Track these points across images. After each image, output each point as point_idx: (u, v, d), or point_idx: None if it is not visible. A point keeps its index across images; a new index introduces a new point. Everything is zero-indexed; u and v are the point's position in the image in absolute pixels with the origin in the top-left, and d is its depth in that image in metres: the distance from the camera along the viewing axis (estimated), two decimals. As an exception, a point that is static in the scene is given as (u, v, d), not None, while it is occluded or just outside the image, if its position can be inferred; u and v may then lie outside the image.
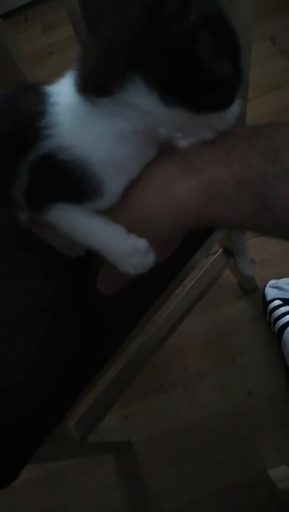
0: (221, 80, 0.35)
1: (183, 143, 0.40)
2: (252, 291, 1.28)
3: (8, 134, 0.39)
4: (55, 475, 1.20)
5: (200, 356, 1.24)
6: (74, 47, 0.49)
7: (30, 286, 0.59)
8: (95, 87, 0.37)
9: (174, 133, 0.42)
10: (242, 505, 1.09)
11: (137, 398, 1.22)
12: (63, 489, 1.19)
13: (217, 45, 0.34)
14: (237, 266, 1.12)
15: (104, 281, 0.47)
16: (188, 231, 0.43)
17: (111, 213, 0.41)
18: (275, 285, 1.22)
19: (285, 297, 1.19)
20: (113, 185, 0.39)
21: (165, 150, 0.41)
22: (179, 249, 0.47)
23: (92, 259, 0.46)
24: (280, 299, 1.19)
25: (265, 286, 1.24)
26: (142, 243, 0.40)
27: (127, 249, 0.40)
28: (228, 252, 1.04)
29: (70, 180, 0.38)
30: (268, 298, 1.21)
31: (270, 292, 1.22)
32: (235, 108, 0.39)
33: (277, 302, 1.19)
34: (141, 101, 0.36)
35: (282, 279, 1.24)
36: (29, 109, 0.39)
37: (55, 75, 0.41)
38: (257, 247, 1.29)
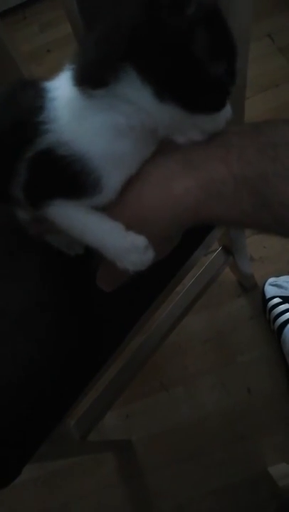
0: (215, 81, 0.35)
1: (182, 140, 0.40)
2: (251, 289, 1.28)
3: (7, 130, 0.39)
4: (56, 474, 1.20)
5: (200, 354, 1.24)
6: (72, 45, 0.49)
7: (30, 285, 0.59)
8: (91, 78, 0.37)
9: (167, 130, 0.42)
10: (242, 502, 1.09)
11: (137, 397, 1.22)
12: (63, 488, 1.19)
13: (213, 44, 0.34)
14: (236, 264, 1.12)
15: (103, 279, 0.47)
16: (187, 228, 0.43)
17: (109, 210, 0.41)
18: (275, 283, 1.22)
19: (284, 295, 1.19)
20: (112, 181, 0.39)
21: (164, 147, 0.41)
22: (178, 246, 0.47)
23: (91, 257, 0.46)
24: (280, 297, 1.19)
25: (264, 284, 1.24)
26: (140, 240, 0.40)
27: (125, 246, 0.40)
28: (227, 250, 1.04)
29: (69, 176, 0.38)
30: (268, 296, 1.21)
31: (270, 290, 1.22)
32: (226, 111, 0.39)
33: (276, 300, 1.19)
34: (133, 93, 0.35)
35: (281, 277, 1.24)
36: (27, 105, 0.39)
37: (53, 73, 0.41)
38: (256, 244, 1.29)
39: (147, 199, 0.40)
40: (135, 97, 0.36)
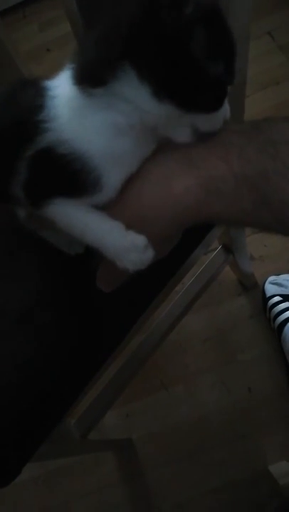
0: (213, 80, 0.35)
1: (181, 139, 0.40)
2: (251, 288, 1.28)
3: (7, 129, 0.39)
4: (56, 473, 1.20)
5: (200, 353, 1.24)
6: (72, 44, 0.49)
7: (30, 284, 0.59)
8: (90, 77, 0.37)
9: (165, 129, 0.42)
10: (243, 501, 1.09)
11: (137, 396, 1.22)
12: (64, 487, 1.19)
13: (212, 43, 0.34)
14: (236, 262, 1.12)
15: (102, 279, 0.47)
16: (187, 227, 0.43)
17: (109, 209, 0.41)
18: (275, 281, 1.22)
19: (284, 293, 1.19)
20: (112, 179, 0.39)
21: (164, 145, 0.41)
22: (178, 245, 0.47)
23: (91, 257, 0.46)
24: (280, 295, 1.19)
25: (264, 283, 1.24)
26: (140, 239, 0.40)
27: (125, 246, 0.40)
28: (228, 249, 1.04)
29: (69, 174, 0.38)
30: (268, 294, 1.21)
31: (270, 288, 1.22)
32: (224, 111, 0.39)
33: (276, 298, 1.19)
34: (131, 92, 0.35)
35: (281, 276, 1.24)
36: (28, 104, 0.39)
37: (53, 72, 0.41)
38: (256, 243, 1.29)
39: (147, 198, 0.40)
40: (133, 96, 0.36)
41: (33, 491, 1.19)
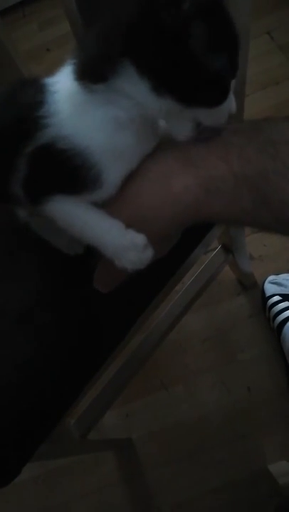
0: (214, 75, 0.35)
1: (182, 137, 0.40)
2: (251, 287, 1.28)
3: (7, 126, 0.39)
4: (56, 473, 1.20)
5: (200, 353, 1.24)
6: (71, 43, 0.49)
7: (30, 284, 0.59)
8: (91, 73, 0.37)
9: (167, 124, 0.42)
10: (243, 500, 1.09)
11: (137, 395, 1.22)
12: (64, 487, 1.19)
13: (212, 37, 0.34)
14: (236, 262, 1.12)
15: (100, 279, 0.47)
16: (187, 227, 0.43)
17: (109, 207, 0.41)
18: (274, 281, 1.22)
19: (284, 293, 1.19)
20: (112, 175, 0.39)
21: (164, 144, 0.41)
22: (178, 245, 0.47)
23: (91, 257, 0.46)
24: (279, 295, 1.19)
25: (264, 282, 1.24)
26: (140, 238, 0.40)
27: (124, 244, 0.40)
28: (227, 249, 1.04)
29: (69, 170, 0.38)
30: (267, 294, 1.21)
31: (269, 288, 1.22)
32: (228, 105, 0.38)
33: (276, 298, 1.19)
34: (131, 88, 0.36)
35: (281, 275, 1.24)
36: (28, 101, 0.39)
37: (53, 72, 0.41)
38: (255, 243, 1.29)
39: (147, 197, 0.40)
40: (133, 92, 0.36)
41: (33, 491, 1.19)
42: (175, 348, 1.25)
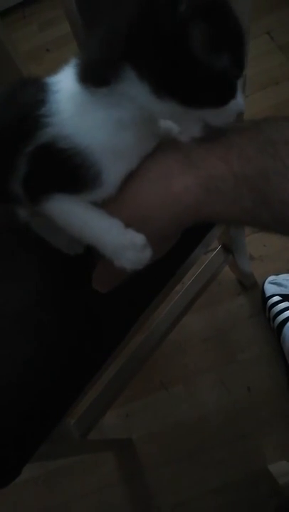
0: (218, 75, 0.35)
1: (184, 137, 0.40)
2: (251, 288, 1.28)
3: (7, 125, 0.39)
4: (56, 473, 1.20)
5: (200, 353, 1.24)
6: (71, 44, 0.49)
7: (30, 285, 0.59)
8: (94, 77, 0.37)
9: (174, 127, 0.42)
10: (243, 500, 1.09)
11: (137, 395, 1.22)
12: (64, 487, 1.19)
13: (213, 37, 0.34)
14: (236, 262, 1.12)
15: (99, 279, 0.47)
16: (187, 227, 0.43)
17: (108, 207, 0.41)
18: (274, 281, 1.22)
19: (284, 293, 1.19)
20: (112, 174, 0.39)
21: (164, 144, 0.41)
22: (178, 246, 0.47)
23: (91, 257, 0.46)
24: (279, 295, 1.19)
25: (264, 283, 1.24)
26: (139, 238, 0.40)
27: (123, 243, 0.40)
28: (227, 249, 1.04)
29: (69, 169, 0.38)
30: (267, 294, 1.21)
31: (269, 288, 1.22)
32: (236, 104, 0.38)
33: (276, 298, 1.19)
34: (133, 91, 0.36)
35: (281, 275, 1.24)
36: (29, 100, 0.39)
37: (52, 73, 0.41)
38: (255, 243, 1.29)
39: (146, 197, 0.40)
40: (135, 95, 0.36)
41: (33, 491, 1.19)
42: (175, 348, 1.25)
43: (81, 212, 0.40)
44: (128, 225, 0.40)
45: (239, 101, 0.38)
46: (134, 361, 0.99)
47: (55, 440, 0.68)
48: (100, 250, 0.41)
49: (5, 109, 0.40)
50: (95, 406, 0.95)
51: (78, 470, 1.19)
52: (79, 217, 0.41)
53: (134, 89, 0.36)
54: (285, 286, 1.21)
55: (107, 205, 0.41)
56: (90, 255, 0.45)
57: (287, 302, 1.18)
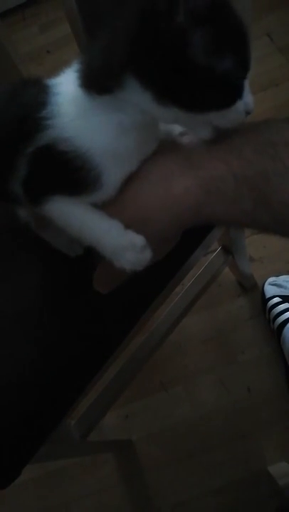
0: (220, 78, 0.35)
1: (185, 140, 0.40)
2: (251, 289, 1.28)
3: (8, 125, 0.39)
4: (56, 474, 1.20)
5: (200, 354, 1.24)
6: (71, 46, 0.49)
7: (29, 285, 0.59)
8: (96, 85, 0.37)
9: (174, 129, 0.42)
10: (242, 501, 1.09)
11: (137, 396, 1.22)
12: (64, 488, 1.19)
13: (214, 41, 0.34)
14: (236, 264, 1.12)
15: (99, 280, 0.47)
16: (187, 229, 0.43)
17: (108, 209, 0.41)
18: (274, 282, 1.22)
19: (284, 294, 1.19)
20: (112, 177, 0.39)
21: (164, 146, 0.41)
22: (177, 247, 0.47)
23: (91, 258, 0.46)
24: (279, 296, 1.19)
25: (264, 284, 1.24)
26: (139, 239, 0.40)
27: (123, 244, 0.40)
28: (227, 250, 1.04)
29: (70, 171, 0.38)
30: (267, 295, 1.21)
31: (269, 289, 1.22)
32: (243, 104, 0.38)
33: (276, 299, 1.19)
34: (137, 100, 0.36)
35: (281, 277, 1.24)
36: (29, 101, 0.39)
37: (53, 74, 0.41)
38: (255, 244, 1.29)
39: (147, 198, 0.40)
40: (138, 102, 0.36)
41: (33, 492, 1.19)
42: (175, 349, 1.25)
43: (81, 214, 0.41)
44: (128, 226, 0.40)
45: (247, 100, 0.38)
46: (134, 362, 0.99)
47: (55, 441, 0.68)
48: (100, 251, 0.41)
49: (5, 109, 0.40)
50: (95, 407, 0.95)
51: (78, 471, 1.19)
52: (79, 218, 0.41)
53: (137, 97, 0.36)
54: (285, 288, 1.21)
55: (107, 207, 0.41)
56: (91, 256, 0.45)
57: (287, 303, 1.18)
